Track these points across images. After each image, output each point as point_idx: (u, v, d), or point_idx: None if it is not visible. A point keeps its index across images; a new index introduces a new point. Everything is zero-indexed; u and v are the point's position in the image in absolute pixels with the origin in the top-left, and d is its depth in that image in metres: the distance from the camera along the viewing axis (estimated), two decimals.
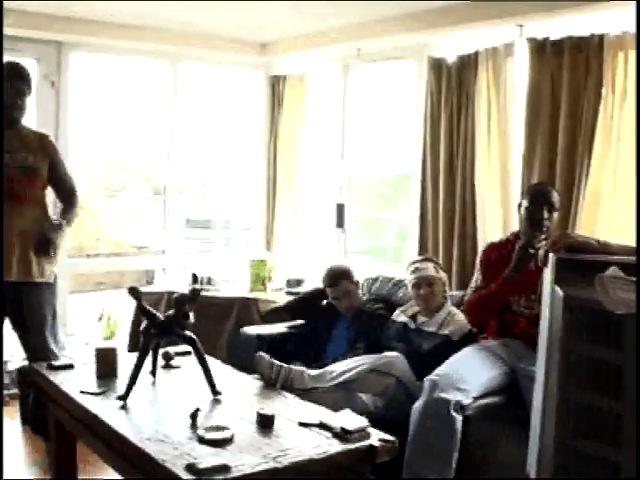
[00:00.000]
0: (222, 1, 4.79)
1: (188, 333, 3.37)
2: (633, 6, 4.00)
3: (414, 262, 4.54)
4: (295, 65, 6.42)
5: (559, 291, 1.67)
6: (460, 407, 3.43)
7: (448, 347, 4.00)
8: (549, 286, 1.79)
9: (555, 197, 3.94)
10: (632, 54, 4.19)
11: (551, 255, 1.83)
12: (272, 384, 3.71)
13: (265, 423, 2.98)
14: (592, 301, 1.61)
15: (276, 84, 6.58)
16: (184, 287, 5.16)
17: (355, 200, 6.49)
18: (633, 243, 3.71)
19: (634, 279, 1.55)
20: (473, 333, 4.17)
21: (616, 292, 1.53)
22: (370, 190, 6.78)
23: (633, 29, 4.14)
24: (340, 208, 5.99)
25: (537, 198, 3.90)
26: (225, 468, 2.47)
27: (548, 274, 1.82)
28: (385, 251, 6.68)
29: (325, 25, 5.52)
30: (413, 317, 4.42)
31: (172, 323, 3.34)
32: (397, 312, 4.54)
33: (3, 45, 4.57)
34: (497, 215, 4.84)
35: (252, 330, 4.88)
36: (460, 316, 4.27)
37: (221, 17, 5.37)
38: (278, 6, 4.94)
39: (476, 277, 4.15)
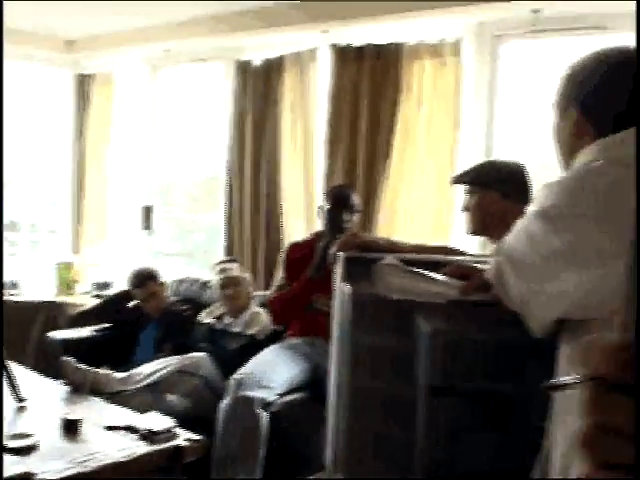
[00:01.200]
0: None
1: None
2: (430, 18, 4.25)
3: (220, 263, 4.59)
4: (103, 64, 6.29)
5: (347, 287, 1.75)
6: (265, 404, 3.50)
7: (253, 347, 4.07)
8: (338, 283, 1.88)
9: (354, 199, 4.07)
10: (428, 63, 4.44)
11: (340, 254, 1.92)
12: (78, 389, 3.65)
13: (71, 428, 2.94)
14: (377, 296, 1.71)
15: (83, 83, 6.42)
16: None
17: (167, 202, 6.45)
18: (429, 242, 3.96)
19: (418, 270, 1.66)
20: (278, 332, 4.25)
21: (392, 279, 1.61)
22: (183, 192, 6.74)
23: (429, 39, 4.39)
24: (147, 210, 5.94)
25: (337, 200, 4.02)
26: (29, 476, 2.42)
27: (338, 272, 1.91)
28: (194, 253, 6.68)
29: (134, 24, 5.46)
30: (219, 318, 4.46)
31: None
32: (203, 313, 4.57)
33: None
34: (301, 216, 4.96)
35: (58, 335, 4.75)
36: (265, 316, 4.35)
37: (23, 10, 5.16)
38: (84, 2, 4.82)
39: (279, 276, 4.22)
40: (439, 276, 1.67)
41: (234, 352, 4.17)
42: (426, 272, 1.67)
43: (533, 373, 1.55)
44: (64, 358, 3.78)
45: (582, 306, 1.32)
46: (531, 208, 1.44)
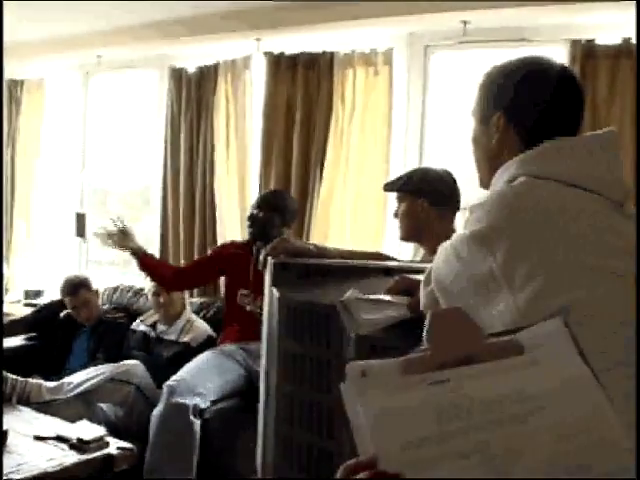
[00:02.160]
0: None
1: None
2: (363, 27, 4.31)
3: None
4: (33, 70, 6.18)
5: (276, 292, 1.77)
6: (198, 411, 3.49)
7: (188, 354, 4.05)
8: (268, 288, 1.89)
9: (283, 203, 4.09)
10: (360, 72, 4.50)
11: (269, 259, 1.93)
12: (7, 399, 3.59)
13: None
14: (304, 302, 1.72)
15: (13, 89, 6.30)
16: None
17: (102, 209, 6.37)
18: (362, 247, 4.00)
19: (373, 297, 1.65)
20: (213, 339, 4.25)
21: (360, 315, 1.60)
22: (118, 199, 6.67)
23: (361, 48, 4.44)
24: (80, 217, 5.86)
25: (261, 203, 4.06)
26: None
27: (267, 277, 1.92)
28: (131, 261, 6.60)
29: (65, 30, 5.36)
30: (153, 326, 4.43)
31: None
32: (137, 321, 4.53)
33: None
34: (236, 222, 4.94)
35: None
36: (199, 322, 4.34)
37: None
38: (13, 7, 4.74)
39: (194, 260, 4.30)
40: (389, 297, 1.67)
41: (168, 360, 4.16)
42: (380, 297, 1.66)
43: None
44: None
45: (520, 325, 1.33)
46: (460, 232, 1.43)
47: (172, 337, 4.30)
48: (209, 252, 4.28)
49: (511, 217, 1.34)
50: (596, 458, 0.68)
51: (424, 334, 0.79)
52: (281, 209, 4.04)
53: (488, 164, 1.56)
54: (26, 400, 3.67)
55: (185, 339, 4.25)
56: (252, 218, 4.03)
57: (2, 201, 3.88)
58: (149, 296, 4.47)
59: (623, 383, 1.27)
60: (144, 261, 4.10)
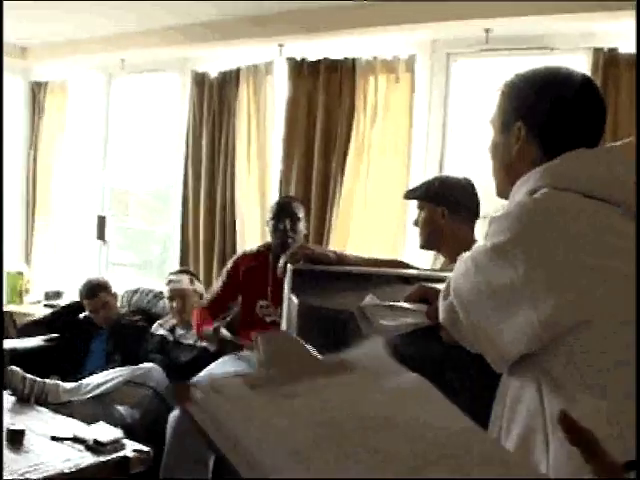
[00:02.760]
0: None
1: None
2: (385, 34, 4.31)
3: (171, 274, 4.57)
4: (57, 72, 6.22)
5: (294, 299, 1.77)
6: None
7: (205, 359, 4.05)
8: (286, 295, 1.89)
9: (296, 208, 4.09)
10: (382, 78, 4.50)
11: (289, 266, 1.93)
12: (25, 399, 3.61)
13: (15, 439, 2.90)
14: (323, 308, 1.72)
15: (37, 91, 6.35)
16: None
17: (121, 211, 6.41)
18: (381, 255, 3.99)
19: (392, 303, 1.65)
20: (235, 344, 4.23)
21: (378, 320, 1.59)
22: (138, 202, 6.70)
23: (383, 55, 4.44)
24: (101, 220, 5.89)
25: (279, 211, 4.05)
26: None
27: (286, 284, 1.93)
28: (151, 263, 6.64)
29: (89, 32, 5.41)
30: (172, 329, 4.44)
31: None
32: (156, 325, 4.54)
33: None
34: (256, 228, 4.96)
35: (6, 344, 4.69)
36: None
37: None
38: (38, 9, 4.79)
39: (219, 282, 4.22)
40: (407, 304, 1.66)
41: (186, 363, 4.16)
42: (398, 304, 1.65)
43: (465, 387, 1.58)
44: (10, 368, 3.73)
45: (539, 340, 1.32)
46: (481, 244, 1.42)
47: (190, 341, 4.30)
48: (225, 272, 4.20)
49: (533, 230, 1.34)
50: (453, 448, 0.70)
51: (258, 356, 0.78)
52: (293, 214, 4.03)
53: (506, 174, 1.55)
54: (44, 400, 3.69)
55: (203, 343, 4.24)
56: (277, 229, 4.01)
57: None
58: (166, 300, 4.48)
59: (623, 383, 1.27)
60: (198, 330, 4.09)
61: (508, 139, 1.53)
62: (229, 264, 4.24)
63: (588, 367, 1.31)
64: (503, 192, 1.60)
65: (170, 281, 4.44)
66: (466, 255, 1.45)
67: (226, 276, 4.18)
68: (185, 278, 4.46)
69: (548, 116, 1.49)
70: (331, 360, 0.77)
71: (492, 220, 1.41)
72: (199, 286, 4.50)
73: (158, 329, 4.50)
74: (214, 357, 4.06)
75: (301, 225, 4.06)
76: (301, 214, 4.09)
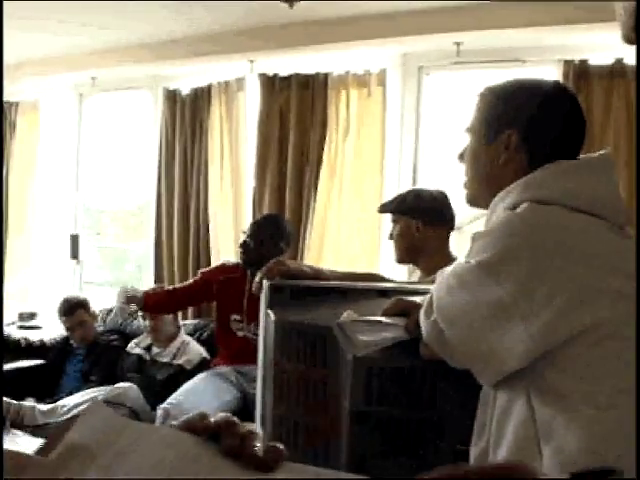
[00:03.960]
0: None
1: None
2: (356, 49, 4.33)
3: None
4: (28, 91, 6.18)
5: (271, 315, 1.76)
6: None
7: (182, 376, 4.04)
8: (263, 310, 1.89)
9: (274, 228, 4.02)
10: (354, 93, 4.52)
11: (264, 282, 1.93)
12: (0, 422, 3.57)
13: None
14: (300, 323, 1.72)
15: (8, 110, 6.30)
16: None
17: (95, 230, 6.37)
18: (356, 269, 3.99)
19: (370, 318, 1.64)
20: (207, 360, 4.22)
21: (357, 336, 1.58)
22: (112, 220, 6.67)
23: (355, 69, 4.46)
24: (74, 239, 5.84)
25: (253, 231, 4.00)
26: None
27: (262, 299, 1.92)
28: (126, 281, 6.59)
29: (60, 51, 5.38)
30: (148, 348, 4.41)
31: None
32: (132, 344, 4.51)
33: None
34: (230, 244, 4.94)
35: None
36: (194, 345, 4.32)
37: None
38: (7, 28, 4.74)
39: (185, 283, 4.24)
40: (386, 319, 1.65)
41: (162, 382, 4.13)
42: (377, 318, 1.65)
43: (448, 397, 1.57)
44: None
45: (532, 354, 1.31)
46: (464, 261, 1.40)
47: (166, 359, 4.27)
48: (200, 274, 4.21)
49: (519, 246, 1.32)
50: None
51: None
52: (273, 235, 3.97)
53: (486, 183, 1.54)
54: (20, 423, 3.65)
55: (179, 361, 4.22)
56: (244, 246, 3.96)
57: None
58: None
59: (615, 392, 1.27)
60: (147, 301, 4.06)
61: (495, 147, 1.51)
62: (206, 270, 4.24)
63: (580, 378, 1.31)
64: (476, 199, 1.59)
65: None
66: (447, 271, 1.43)
67: (199, 279, 4.16)
68: None
69: (543, 126, 1.49)
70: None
71: (476, 236, 1.40)
72: None
73: (134, 348, 4.47)
74: (190, 375, 4.04)
75: (272, 244, 3.95)
76: (274, 232, 4.00)
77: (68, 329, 4.63)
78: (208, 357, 4.28)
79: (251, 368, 3.87)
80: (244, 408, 3.77)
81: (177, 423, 0.67)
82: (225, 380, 3.88)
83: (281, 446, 0.64)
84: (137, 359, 4.37)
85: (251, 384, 3.82)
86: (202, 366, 4.18)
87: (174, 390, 3.78)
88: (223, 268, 4.19)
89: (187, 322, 4.69)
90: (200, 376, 3.94)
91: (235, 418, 0.67)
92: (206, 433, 0.65)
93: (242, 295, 3.93)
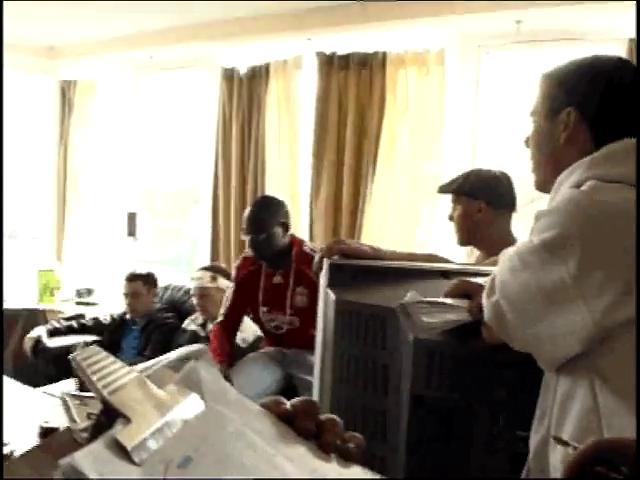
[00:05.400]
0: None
1: None
2: (415, 27, 4.27)
3: (198, 271, 4.50)
4: (86, 70, 6.25)
5: (331, 294, 1.74)
6: None
7: (237, 354, 4.00)
8: (322, 290, 1.86)
9: (272, 213, 3.86)
10: (412, 71, 4.45)
11: (325, 260, 1.90)
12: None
13: (48, 436, 2.89)
14: (361, 304, 1.69)
15: (66, 89, 6.39)
16: None
17: (151, 209, 6.42)
18: (413, 249, 3.96)
19: (433, 299, 1.61)
20: (261, 338, 4.20)
21: (420, 318, 1.56)
22: (168, 199, 6.72)
23: (414, 48, 4.40)
24: (131, 217, 5.90)
25: (252, 226, 3.81)
26: None
27: (322, 279, 1.89)
28: (180, 260, 6.64)
29: (117, 30, 5.42)
30: (203, 325, 4.43)
31: None
32: (187, 321, 4.53)
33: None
34: None
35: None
36: (247, 322, 4.26)
37: (5, 15, 5.11)
38: (67, 8, 4.79)
39: (230, 291, 4.02)
40: (449, 300, 1.62)
41: None
42: (440, 299, 1.62)
43: (509, 382, 1.54)
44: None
45: (593, 338, 1.27)
46: (525, 239, 1.36)
47: None
48: (234, 282, 4.03)
49: (584, 224, 1.28)
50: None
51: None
52: (276, 222, 3.81)
53: (551, 164, 1.51)
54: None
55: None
56: (252, 244, 3.80)
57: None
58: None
59: None
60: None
61: (556, 126, 1.48)
62: (233, 272, 4.08)
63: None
64: (544, 184, 1.55)
65: (193, 279, 4.43)
66: (510, 251, 1.39)
67: (234, 285, 4.02)
68: (207, 275, 4.38)
69: (602, 103, 1.45)
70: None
71: (539, 215, 1.35)
72: (223, 282, 4.35)
73: (190, 325, 4.50)
74: (245, 352, 4.03)
75: (274, 233, 3.80)
76: (280, 213, 3.86)
77: (124, 295, 4.70)
78: (261, 335, 4.25)
79: (294, 352, 3.88)
80: (289, 388, 3.77)
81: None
82: (271, 361, 3.87)
83: (360, 436, 0.63)
84: (192, 335, 4.39)
85: (295, 365, 3.82)
86: (257, 344, 4.18)
87: (229, 367, 3.77)
88: (245, 261, 4.04)
89: None
90: (246, 358, 3.92)
91: (314, 401, 0.66)
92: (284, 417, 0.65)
93: (263, 287, 3.89)
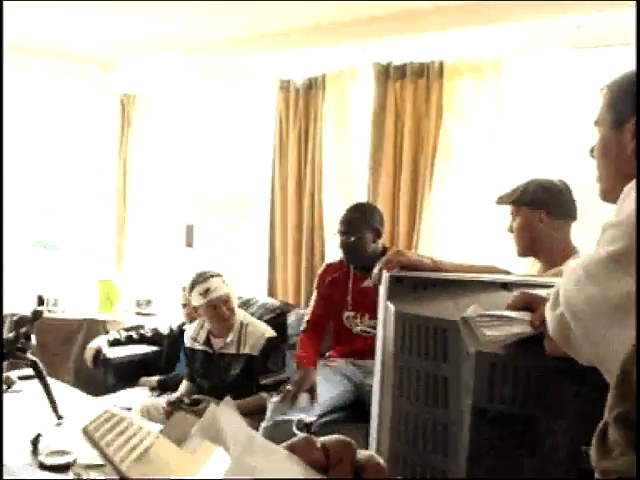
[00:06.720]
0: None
1: (29, 356, 3.26)
2: (471, 34, 4.24)
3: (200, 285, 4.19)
4: (144, 83, 6.34)
5: (391, 307, 1.73)
6: (304, 425, 3.46)
7: (254, 365, 4.01)
8: (382, 302, 1.86)
9: (368, 216, 3.99)
10: (469, 79, 4.41)
11: (384, 273, 1.89)
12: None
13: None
14: (421, 316, 1.68)
15: (125, 102, 6.49)
16: (29, 309, 5.00)
17: (208, 218, 6.47)
18: (470, 260, 3.92)
19: (495, 312, 1.59)
20: (275, 339, 4.12)
21: (482, 331, 1.54)
22: (225, 209, 6.77)
23: (470, 56, 4.37)
24: (189, 228, 5.96)
25: (347, 227, 3.97)
26: None
27: (382, 291, 1.89)
28: (238, 271, 6.68)
29: (175, 44, 5.48)
30: (208, 342, 4.22)
31: (12, 345, 3.23)
32: (188, 340, 4.37)
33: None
34: None
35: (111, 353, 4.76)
36: (254, 325, 4.15)
37: (65, 29, 5.19)
38: (127, 22, 4.87)
39: (313, 299, 4.15)
40: (511, 313, 1.60)
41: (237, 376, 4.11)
42: (502, 312, 1.59)
43: (573, 396, 1.51)
44: None
45: None
46: (590, 251, 1.34)
47: (232, 350, 4.15)
48: (316, 289, 4.14)
49: None
50: None
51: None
52: (369, 226, 3.96)
53: (617, 175, 1.48)
54: None
55: (245, 350, 4.10)
56: (345, 245, 3.94)
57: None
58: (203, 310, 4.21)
59: None
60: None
61: (622, 136, 1.46)
62: (316, 280, 4.19)
63: None
64: (609, 194, 1.53)
65: (205, 292, 4.11)
66: (575, 263, 1.36)
67: (317, 293, 4.12)
68: (218, 281, 4.17)
69: None
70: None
71: (606, 226, 1.33)
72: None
73: (194, 344, 4.43)
74: (262, 360, 4.02)
75: (365, 237, 3.94)
76: (375, 219, 4.00)
77: (182, 306, 4.74)
78: (275, 335, 4.14)
79: (367, 362, 3.81)
80: (357, 399, 3.77)
81: (284, 445, 0.64)
82: (339, 373, 3.87)
83: None
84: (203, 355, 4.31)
85: (368, 377, 3.76)
86: (270, 346, 4.07)
87: (247, 382, 3.92)
88: (328, 268, 4.16)
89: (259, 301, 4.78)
90: (322, 363, 3.96)
91: (351, 442, 0.63)
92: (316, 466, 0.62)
93: (351, 291, 3.92)
